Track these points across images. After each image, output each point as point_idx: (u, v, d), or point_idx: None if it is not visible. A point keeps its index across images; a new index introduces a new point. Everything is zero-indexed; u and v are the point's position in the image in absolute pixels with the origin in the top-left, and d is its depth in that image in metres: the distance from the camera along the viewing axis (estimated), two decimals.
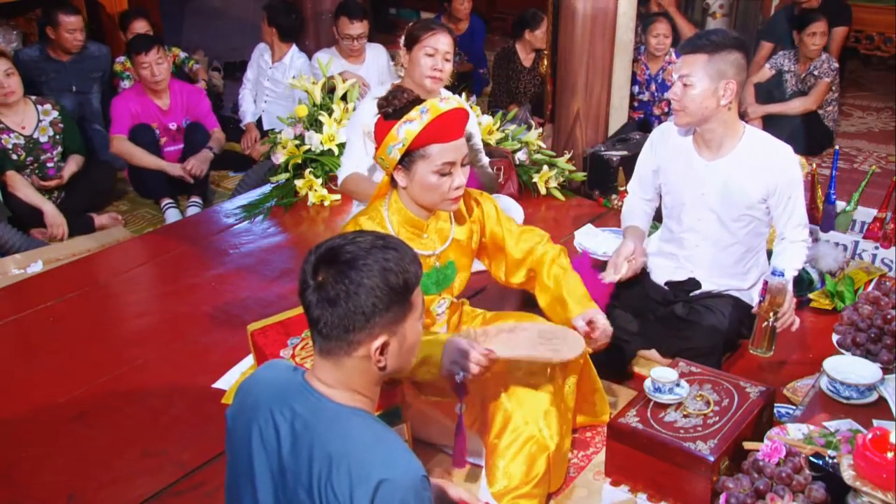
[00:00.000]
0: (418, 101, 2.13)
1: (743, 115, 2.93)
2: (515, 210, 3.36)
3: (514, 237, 2.42)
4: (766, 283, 2.62)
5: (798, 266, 2.74)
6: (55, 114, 4.35)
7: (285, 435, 1.49)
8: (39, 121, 4.28)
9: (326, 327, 1.49)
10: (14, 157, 4.20)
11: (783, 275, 2.56)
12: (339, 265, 1.47)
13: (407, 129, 2.08)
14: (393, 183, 2.24)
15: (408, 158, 2.13)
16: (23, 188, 4.14)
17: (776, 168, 2.63)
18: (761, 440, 1.89)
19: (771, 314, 2.60)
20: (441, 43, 2.98)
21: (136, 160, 4.49)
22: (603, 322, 2.31)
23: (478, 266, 2.51)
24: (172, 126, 4.65)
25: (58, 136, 4.35)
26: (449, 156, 2.13)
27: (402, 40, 3.08)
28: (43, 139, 4.29)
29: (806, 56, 5.12)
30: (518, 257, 2.42)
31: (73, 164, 4.39)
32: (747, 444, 1.96)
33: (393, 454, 1.45)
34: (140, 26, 4.99)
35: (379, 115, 2.17)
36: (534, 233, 2.45)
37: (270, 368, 1.66)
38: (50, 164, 4.33)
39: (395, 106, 2.12)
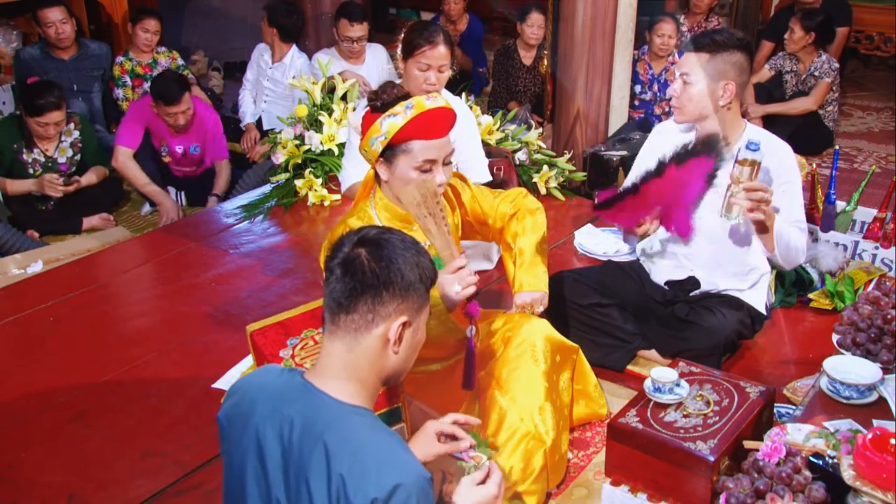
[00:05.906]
0: (407, 96, 2.15)
1: (743, 115, 2.91)
2: None
3: (493, 209, 2.49)
4: (738, 151, 2.50)
5: (788, 230, 2.59)
6: (76, 134, 4.33)
7: (289, 437, 1.48)
8: (60, 142, 4.28)
9: (353, 297, 1.51)
10: (30, 171, 4.22)
11: (757, 148, 2.43)
12: (374, 244, 1.54)
13: (390, 122, 2.10)
14: (377, 178, 2.26)
15: (390, 152, 2.15)
16: (9, 184, 4.16)
17: (773, 162, 2.61)
18: (761, 440, 1.88)
19: (732, 185, 2.48)
20: (434, 58, 2.99)
21: (135, 184, 4.44)
22: (531, 302, 2.43)
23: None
24: (179, 149, 4.56)
25: (76, 157, 4.35)
26: (430, 153, 2.15)
27: (399, 46, 3.08)
28: (61, 160, 4.30)
29: (788, 53, 5.13)
30: (499, 226, 2.51)
31: (93, 175, 4.36)
32: (747, 444, 1.95)
33: (403, 457, 1.45)
34: (151, 25, 5.02)
35: (367, 108, 2.19)
36: (508, 200, 2.51)
37: (265, 373, 1.65)
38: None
39: (383, 100, 2.14)
